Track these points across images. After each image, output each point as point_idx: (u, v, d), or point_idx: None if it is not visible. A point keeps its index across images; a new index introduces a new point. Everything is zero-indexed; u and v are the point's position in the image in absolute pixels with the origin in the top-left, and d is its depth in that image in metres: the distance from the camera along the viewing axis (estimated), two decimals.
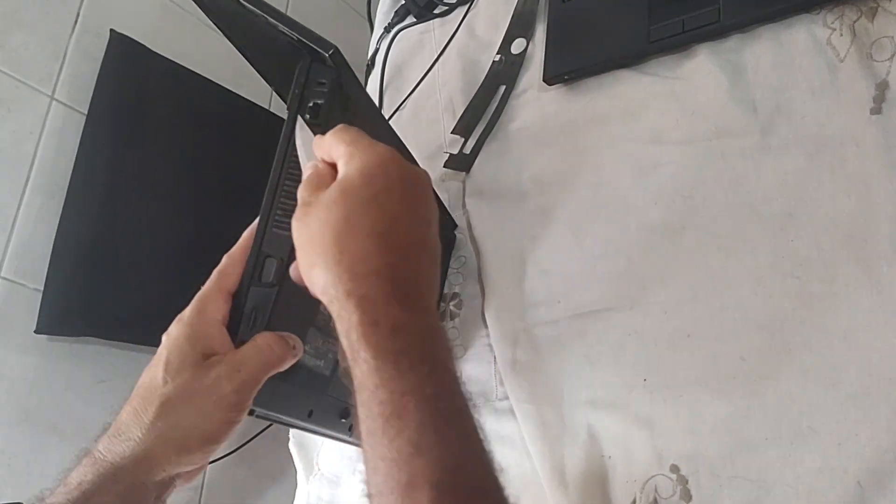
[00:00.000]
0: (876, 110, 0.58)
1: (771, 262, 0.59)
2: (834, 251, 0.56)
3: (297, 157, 0.53)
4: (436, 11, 1.03)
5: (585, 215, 0.72)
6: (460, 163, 0.82)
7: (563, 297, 0.70)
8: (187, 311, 0.53)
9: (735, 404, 0.57)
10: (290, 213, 0.53)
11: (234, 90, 1.37)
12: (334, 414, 0.65)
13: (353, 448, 0.80)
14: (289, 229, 0.53)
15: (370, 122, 0.64)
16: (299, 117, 0.53)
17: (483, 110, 0.85)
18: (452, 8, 1.01)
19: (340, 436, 0.66)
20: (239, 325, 0.53)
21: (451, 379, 0.41)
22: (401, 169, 0.44)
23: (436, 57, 0.97)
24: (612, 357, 0.65)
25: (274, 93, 1.55)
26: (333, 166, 0.47)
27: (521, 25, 0.89)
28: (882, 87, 0.58)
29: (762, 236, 0.60)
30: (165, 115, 1.24)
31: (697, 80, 0.69)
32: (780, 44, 0.65)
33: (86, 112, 1.16)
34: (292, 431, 0.90)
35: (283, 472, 1.29)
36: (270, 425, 1.23)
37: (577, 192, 0.73)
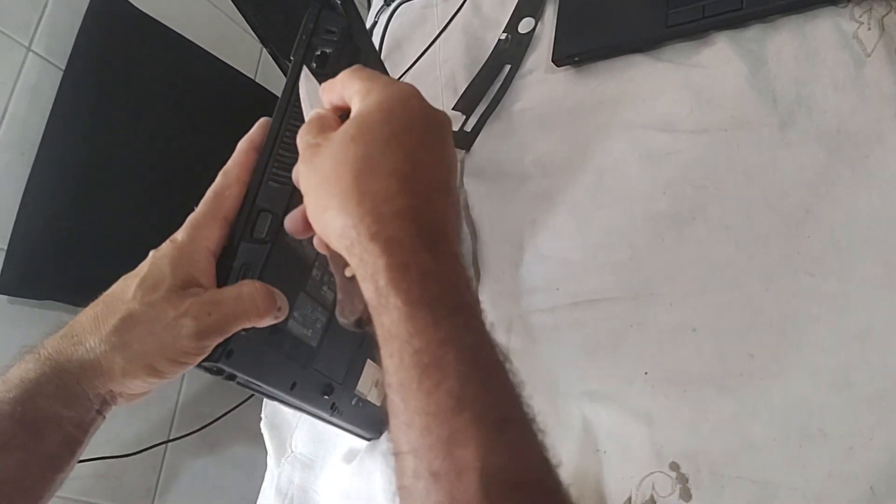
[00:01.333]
0: None
1: (785, 257, 0.57)
2: (852, 249, 0.55)
3: (299, 108, 0.51)
4: None
5: (589, 202, 0.69)
6: (461, 140, 0.80)
7: (562, 284, 0.68)
8: (180, 234, 0.49)
9: (742, 402, 0.55)
10: (288, 166, 0.50)
11: (220, 57, 1.33)
12: (317, 389, 0.62)
13: (331, 429, 0.77)
14: (286, 183, 0.50)
15: (376, 67, 0.62)
16: (304, 66, 0.50)
17: (486, 88, 0.83)
18: None
19: (321, 413, 0.64)
20: (227, 280, 0.50)
21: (487, 331, 0.38)
22: (423, 107, 0.41)
23: (438, 32, 0.94)
24: (611, 348, 0.63)
25: (261, 63, 1.52)
26: (340, 112, 0.44)
27: (530, 4, 0.87)
28: None
29: (776, 231, 0.58)
30: (147, 78, 1.20)
31: (715, 67, 0.67)
32: (803, 35, 0.64)
33: (63, 67, 1.11)
34: (265, 412, 0.87)
35: (246, 457, 1.25)
36: (235, 408, 1.20)
37: (581, 177, 0.71)
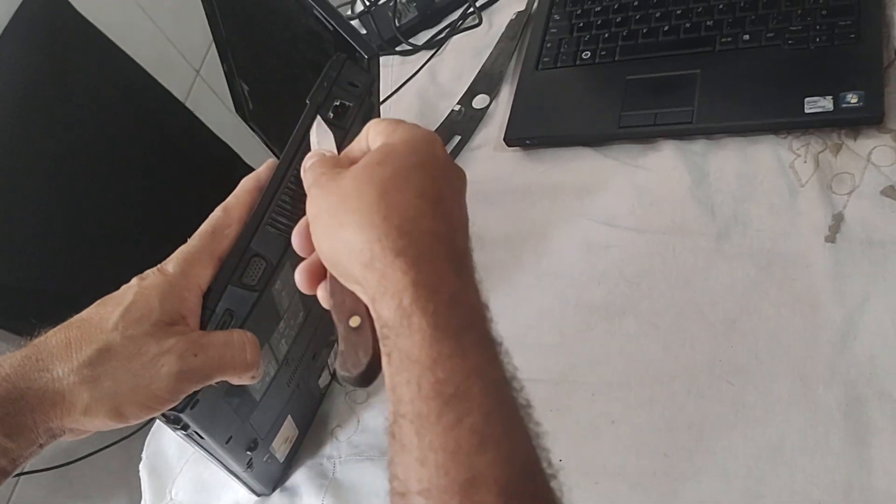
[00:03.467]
0: (830, 238, 0.61)
1: (709, 363, 0.60)
2: (773, 365, 0.58)
3: (309, 150, 0.50)
4: (398, 48, 1.03)
5: (525, 281, 0.71)
6: None
7: None
8: (171, 265, 0.47)
9: (652, 501, 0.56)
10: (289, 213, 0.49)
11: (154, 76, 1.30)
12: (244, 445, 0.60)
13: (218, 480, 0.74)
14: (285, 231, 0.49)
15: None
16: (319, 115, 0.49)
17: None
18: (416, 50, 1.01)
19: (236, 468, 0.61)
20: (207, 323, 0.47)
21: (512, 369, 0.37)
22: (446, 154, 0.42)
23: (391, 91, 0.96)
24: None
25: (193, 89, 1.49)
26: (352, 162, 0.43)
27: (486, 82, 0.90)
28: (838, 218, 0.62)
29: (703, 337, 0.61)
30: (75, 83, 1.16)
31: (661, 172, 0.71)
32: (745, 157, 0.69)
33: None
34: (145, 453, 0.82)
35: (105, 499, 1.17)
36: (104, 448, 1.12)
37: (519, 256, 0.73)
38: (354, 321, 0.40)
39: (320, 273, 0.43)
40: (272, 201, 0.49)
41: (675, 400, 0.60)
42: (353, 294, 0.40)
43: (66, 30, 1.17)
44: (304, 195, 0.47)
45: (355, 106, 0.51)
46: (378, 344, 0.37)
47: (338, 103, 0.51)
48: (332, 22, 0.48)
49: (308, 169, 0.44)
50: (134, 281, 0.46)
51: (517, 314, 0.70)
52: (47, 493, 1.12)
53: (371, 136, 0.43)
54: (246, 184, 0.51)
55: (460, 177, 0.42)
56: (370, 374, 0.39)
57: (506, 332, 0.68)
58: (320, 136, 0.49)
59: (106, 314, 0.44)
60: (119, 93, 1.24)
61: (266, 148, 0.91)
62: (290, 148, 0.50)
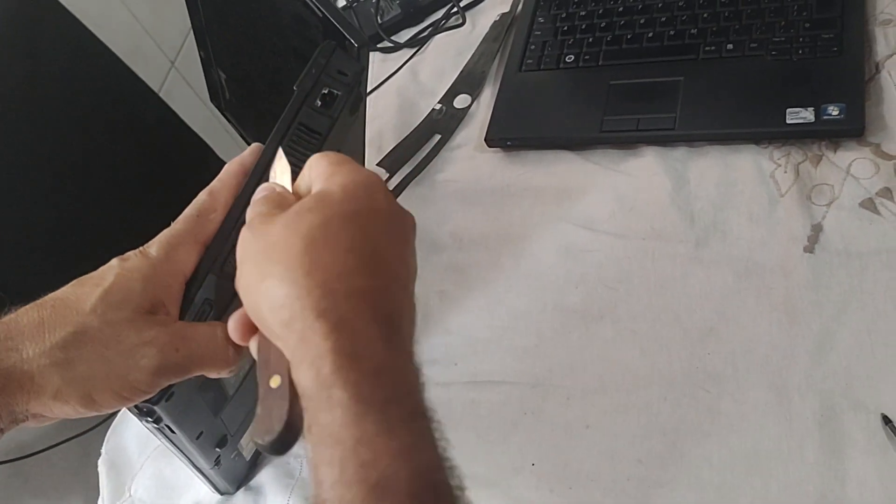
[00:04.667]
0: (809, 249, 0.62)
1: (685, 370, 0.60)
2: (749, 373, 0.58)
3: (296, 139, 0.49)
4: (379, 46, 1.02)
5: (503, 283, 0.71)
6: None
7: (462, 360, 0.68)
8: (155, 248, 0.44)
9: None
10: None
11: (129, 65, 1.28)
12: (214, 441, 0.58)
13: (181, 477, 0.73)
14: None
15: (362, 136, 0.61)
16: (280, 147, 0.47)
17: (413, 153, 0.84)
18: (398, 47, 1.00)
19: (203, 465, 0.60)
20: (186, 312, 0.45)
21: (442, 445, 0.33)
22: (388, 199, 0.39)
23: (371, 88, 0.95)
24: (502, 434, 0.63)
25: (167, 79, 1.47)
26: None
27: (468, 82, 0.90)
28: (817, 228, 0.62)
29: (680, 343, 0.61)
30: (48, 69, 1.14)
31: (641, 178, 0.72)
32: (725, 165, 0.69)
33: None
34: (105, 447, 0.80)
35: (60, 495, 1.14)
36: (61, 443, 1.10)
37: (497, 258, 0.73)
38: (274, 381, 0.37)
39: (254, 325, 0.40)
40: (255, 190, 0.48)
41: (651, 406, 0.60)
42: (278, 350, 0.37)
43: (41, 16, 1.15)
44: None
45: (344, 95, 0.50)
46: (295, 410, 0.35)
47: (326, 91, 0.50)
48: (322, 8, 0.47)
49: (251, 205, 0.41)
50: (115, 262, 0.44)
51: (494, 316, 0.69)
52: (3, 486, 1.09)
53: (311, 175, 0.41)
54: (231, 167, 0.49)
55: (406, 224, 0.40)
56: (283, 443, 0.36)
57: (482, 335, 0.69)
58: (279, 169, 0.46)
59: (84, 295, 0.42)
60: (93, 81, 1.22)
61: (240, 138, 0.90)
62: (277, 134, 0.49)
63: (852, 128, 0.65)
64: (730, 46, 0.74)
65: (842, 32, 0.70)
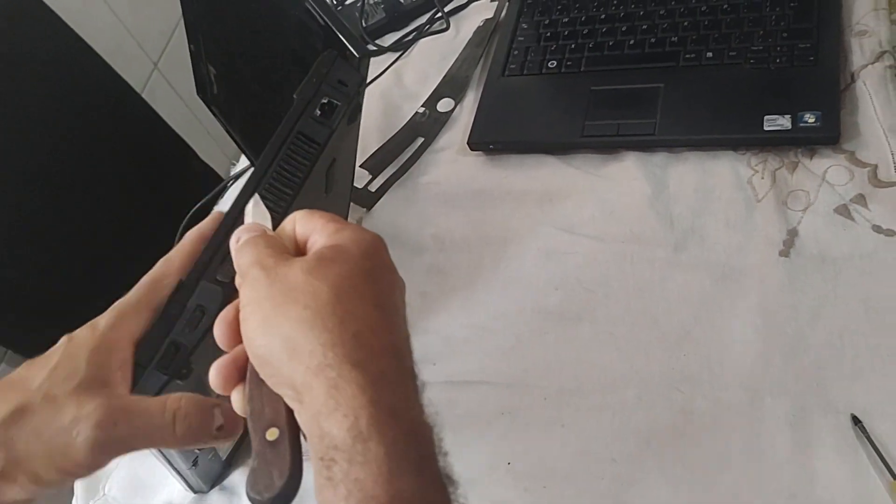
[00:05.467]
0: (784, 253, 0.63)
1: (661, 371, 0.61)
2: (723, 375, 0.60)
3: (294, 145, 0.49)
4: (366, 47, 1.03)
5: (483, 285, 0.72)
6: (364, 199, 0.81)
7: (440, 360, 0.68)
8: (103, 320, 0.43)
9: None
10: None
11: (111, 65, 1.29)
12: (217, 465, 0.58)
13: (156, 476, 0.73)
14: (225, 283, 0.46)
15: (355, 144, 0.62)
16: (256, 194, 0.47)
17: (397, 155, 0.85)
18: (383, 51, 1.01)
19: (181, 465, 0.61)
20: (138, 378, 0.43)
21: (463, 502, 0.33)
22: (391, 261, 0.39)
23: None
24: (478, 432, 0.64)
25: (150, 81, 1.48)
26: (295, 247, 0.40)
27: (452, 86, 0.91)
28: (793, 233, 0.64)
29: (657, 345, 0.63)
30: (30, 68, 1.14)
31: (621, 182, 0.73)
32: (704, 171, 0.71)
33: None
34: None
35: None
36: None
37: (478, 260, 0.74)
38: (272, 434, 0.35)
39: (241, 372, 0.38)
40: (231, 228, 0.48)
41: (626, 406, 0.61)
42: (274, 401, 0.36)
43: (24, 13, 1.15)
44: (284, 192, 0.46)
45: (343, 105, 0.51)
46: (296, 464, 0.34)
47: (325, 101, 0.51)
48: (324, 17, 0.48)
49: (247, 244, 0.39)
50: (63, 339, 0.43)
51: (473, 317, 0.70)
52: None
53: (302, 229, 0.40)
54: (190, 235, 0.48)
55: (403, 286, 0.39)
56: (284, 498, 0.35)
57: (461, 335, 0.69)
58: (256, 215, 0.45)
59: (31, 374, 0.41)
60: (75, 80, 1.22)
61: (222, 140, 0.91)
62: (275, 142, 0.49)
63: (828, 135, 0.67)
64: (709, 54, 0.76)
65: (818, 42, 0.72)
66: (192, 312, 0.45)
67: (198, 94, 0.62)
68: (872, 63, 0.70)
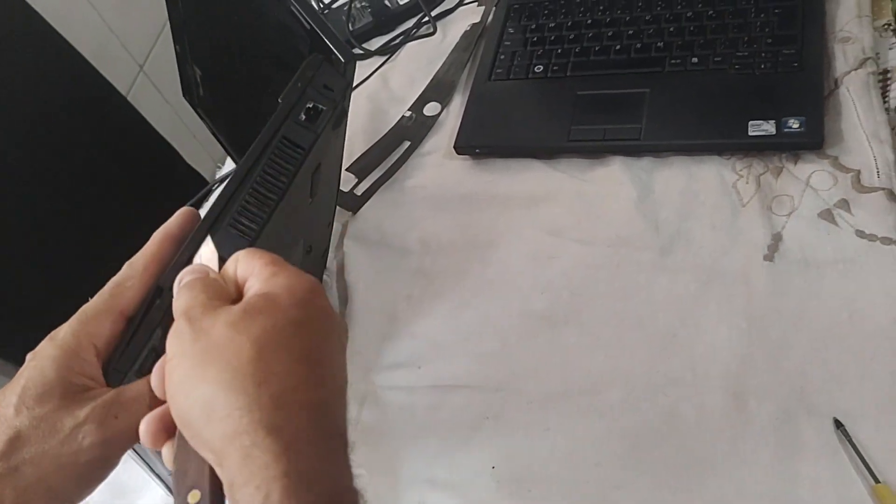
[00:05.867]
0: (769, 257, 0.64)
1: (647, 375, 0.62)
2: (708, 378, 0.60)
3: (278, 150, 0.49)
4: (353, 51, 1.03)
5: (469, 288, 0.72)
6: (350, 202, 0.81)
7: (426, 364, 0.69)
8: (63, 329, 0.43)
9: None
10: (250, 224, 0.47)
11: (95, 66, 1.28)
12: None
13: (136, 482, 0.72)
14: (247, 233, 0.46)
15: (341, 150, 0.62)
16: (209, 235, 0.45)
17: (383, 158, 0.85)
18: (370, 55, 1.02)
19: (164, 472, 0.60)
20: (129, 361, 0.43)
21: None
22: (327, 306, 0.38)
23: None
24: (463, 437, 0.64)
25: (136, 84, 1.47)
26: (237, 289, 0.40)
27: (438, 90, 0.91)
28: (777, 238, 0.64)
29: (643, 348, 0.63)
30: (11, 69, 1.13)
31: (608, 186, 0.73)
32: (689, 175, 0.71)
33: None
34: None
35: None
36: None
37: (464, 264, 0.74)
38: (193, 496, 0.34)
39: (170, 427, 0.37)
40: (227, 207, 0.47)
41: (611, 410, 0.61)
42: (198, 462, 0.35)
43: (5, 12, 1.15)
44: (268, 197, 0.45)
45: (329, 110, 0.51)
46: None
47: (311, 105, 0.50)
48: (310, 21, 0.48)
49: (184, 287, 0.39)
50: (28, 357, 0.42)
51: (460, 321, 0.70)
52: None
53: (242, 270, 0.39)
54: (155, 236, 0.47)
55: (343, 330, 0.40)
56: None
57: (447, 339, 0.70)
58: (205, 255, 0.43)
59: (4, 402, 0.41)
60: (57, 81, 1.21)
61: (208, 142, 0.90)
62: (257, 147, 0.49)
63: (812, 141, 0.67)
64: (694, 60, 0.76)
65: (802, 49, 0.72)
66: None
67: (184, 95, 0.62)
68: (855, 69, 0.71)
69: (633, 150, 0.75)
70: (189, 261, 0.45)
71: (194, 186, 1.00)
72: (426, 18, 1.01)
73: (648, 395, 0.61)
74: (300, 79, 0.51)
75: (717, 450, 0.56)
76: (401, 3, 1.03)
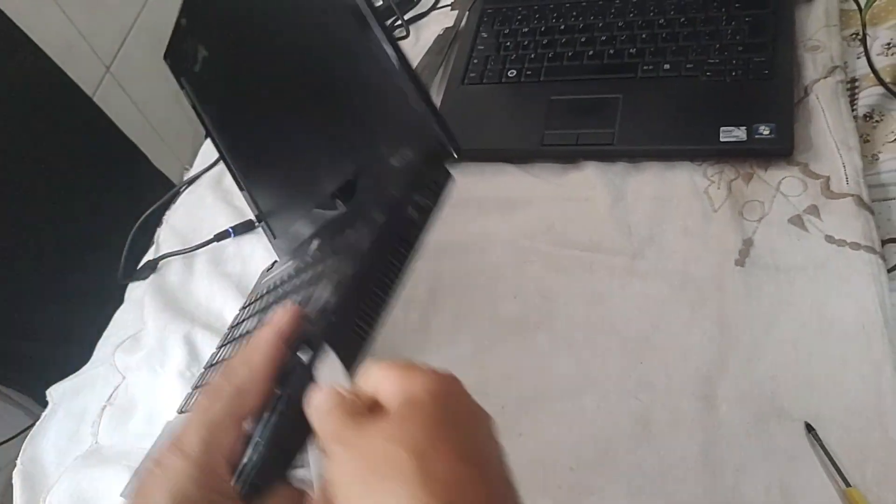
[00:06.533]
0: (740, 262, 0.64)
1: (619, 380, 0.62)
2: (680, 382, 0.60)
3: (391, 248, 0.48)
4: None
5: (441, 293, 0.72)
6: None
7: None
8: (190, 442, 0.41)
9: None
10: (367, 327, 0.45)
11: (61, 66, 1.26)
12: None
13: (94, 490, 0.71)
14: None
15: None
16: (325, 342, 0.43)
17: None
18: None
19: None
20: (264, 478, 0.41)
21: None
22: (472, 400, 0.38)
23: None
24: None
25: (102, 84, 1.45)
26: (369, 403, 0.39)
27: None
28: (748, 243, 0.65)
29: (615, 353, 0.63)
30: None
31: (581, 191, 0.73)
32: (662, 180, 0.72)
33: None
34: (21, 458, 0.78)
35: None
36: None
37: (436, 267, 0.73)
38: None
39: None
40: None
41: (584, 414, 0.61)
42: None
43: None
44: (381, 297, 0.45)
45: (435, 206, 0.48)
46: None
47: (421, 203, 0.48)
48: (429, 107, 0.44)
49: (327, 415, 0.38)
50: (154, 471, 0.41)
51: (431, 325, 0.70)
52: None
53: (375, 380, 0.38)
54: (265, 334, 0.45)
55: (491, 425, 0.38)
56: None
57: (418, 345, 0.69)
58: (328, 367, 0.42)
59: None
60: (21, 80, 1.19)
61: (179, 140, 0.89)
62: (377, 243, 0.47)
63: (782, 147, 0.68)
64: (667, 66, 0.77)
65: (773, 56, 0.73)
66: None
67: (165, 58, 0.59)
68: (824, 77, 0.72)
69: (606, 155, 0.75)
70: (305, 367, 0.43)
71: (160, 188, 0.98)
72: (399, 22, 1.00)
73: (621, 400, 0.61)
74: (416, 163, 0.48)
75: (689, 454, 0.56)
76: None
